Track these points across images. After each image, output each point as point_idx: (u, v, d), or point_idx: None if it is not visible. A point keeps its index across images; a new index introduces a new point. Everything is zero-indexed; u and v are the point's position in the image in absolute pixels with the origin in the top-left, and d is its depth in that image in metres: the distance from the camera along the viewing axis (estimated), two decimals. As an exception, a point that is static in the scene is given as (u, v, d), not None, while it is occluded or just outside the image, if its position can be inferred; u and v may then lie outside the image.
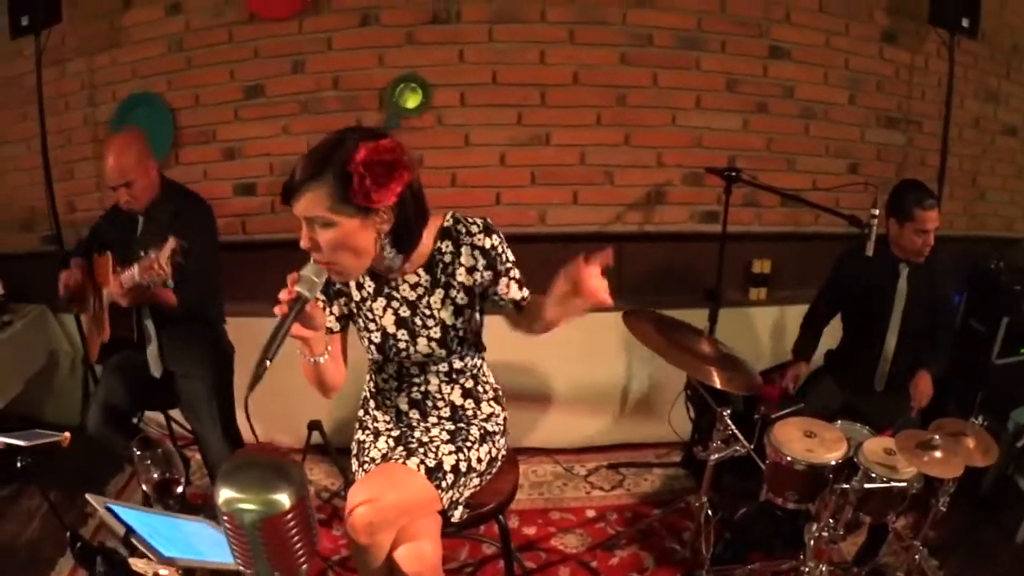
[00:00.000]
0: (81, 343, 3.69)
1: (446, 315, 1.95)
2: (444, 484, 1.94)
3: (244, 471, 1.20)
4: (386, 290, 1.95)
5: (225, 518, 1.19)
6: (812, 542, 2.45)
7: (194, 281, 2.80)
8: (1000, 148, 4.26)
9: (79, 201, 3.79)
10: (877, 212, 2.77)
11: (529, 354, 3.65)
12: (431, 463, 1.94)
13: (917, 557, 2.49)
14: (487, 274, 1.93)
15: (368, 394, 2.21)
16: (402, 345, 1.96)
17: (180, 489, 1.76)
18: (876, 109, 3.91)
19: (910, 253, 2.97)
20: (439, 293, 1.94)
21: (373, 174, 1.64)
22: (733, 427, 2.66)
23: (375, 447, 2.08)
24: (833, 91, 3.82)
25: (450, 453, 1.99)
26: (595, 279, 1.61)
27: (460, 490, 2.02)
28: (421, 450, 1.98)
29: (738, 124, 3.75)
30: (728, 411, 2.66)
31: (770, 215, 3.90)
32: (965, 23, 3.68)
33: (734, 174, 3.26)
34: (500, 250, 1.92)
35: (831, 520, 2.42)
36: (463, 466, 2.00)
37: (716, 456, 2.70)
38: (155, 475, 1.68)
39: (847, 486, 2.34)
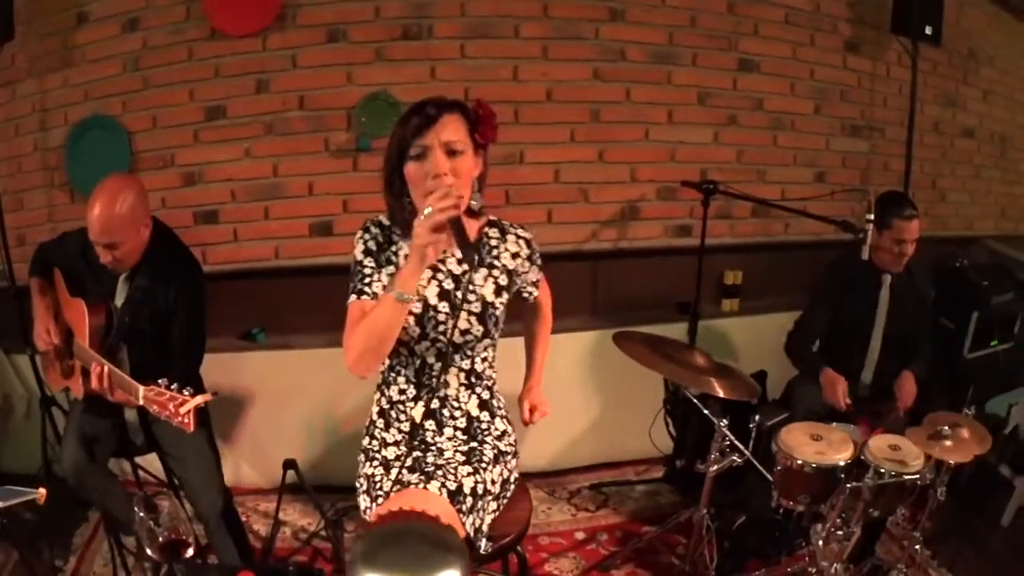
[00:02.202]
0: (37, 384, 3.58)
1: (487, 292, 2.10)
2: (464, 508, 2.00)
3: (393, 548, 1.09)
4: (435, 262, 2.09)
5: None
6: (822, 543, 2.66)
7: (184, 354, 2.75)
8: (959, 150, 4.61)
9: (30, 233, 3.75)
10: (872, 217, 2.98)
11: (502, 379, 3.82)
12: (452, 486, 1.99)
13: (917, 548, 2.75)
14: (527, 263, 2.17)
15: (375, 415, 2.27)
16: (441, 318, 2.06)
17: (191, 552, 1.83)
18: (840, 118, 4.20)
19: (888, 262, 3.24)
20: (483, 272, 2.11)
21: (491, 116, 1.99)
22: (733, 438, 2.84)
23: (387, 479, 2.11)
24: (800, 102, 4.09)
25: (468, 475, 2.06)
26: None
27: (480, 515, 2.08)
28: (440, 472, 2.04)
29: (709, 137, 3.97)
30: (726, 423, 2.83)
31: (742, 226, 4.14)
32: (928, 31, 3.98)
33: (712, 187, 3.47)
34: (535, 245, 2.21)
35: (839, 519, 2.64)
36: (479, 488, 2.07)
37: (715, 468, 2.87)
38: (162, 538, 1.74)
39: (862, 483, 2.55)
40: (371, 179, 3.65)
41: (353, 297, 2.04)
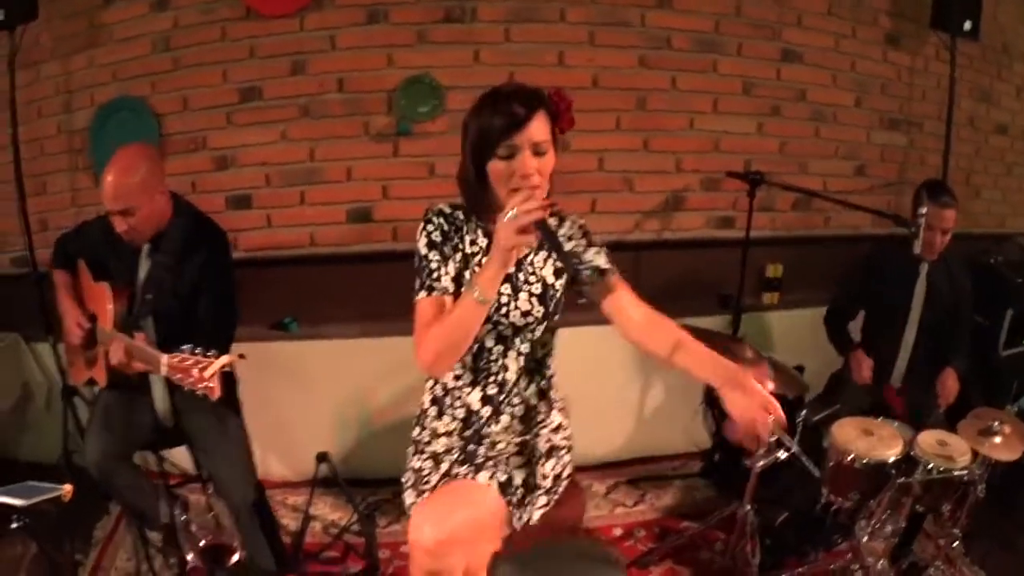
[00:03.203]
0: (58, 373, 3.59)
1: (547, 274, 2.10)
2: (515, 500, 2.01)
3: (546, 568, 1.07)
4: None
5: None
6: (867, 538, 2.73)
7: (212, 328, 2.68)
8: (992, 147, 4.69)
9: (52, 218, 3.71)
10: (924, 211, 3.06)
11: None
12: (502, 477, 2.01)
13: (956, 544, 2.81)
14: (582, 242, 2.13)
15: (427, 403, 2.24)
16: (504, 299, 2.06)
17: (236, 557, 1.78)
18: (880, 111, 4.26)
19: (923, 249, 3.29)
20: (542, 255, 2.11)
21: (569, 106, 1.98)
22: (781, 433, 2.89)
23: (436, 473, 2.11)
24: (841, 93, 4.14)
25: (520, 467, 2.08)
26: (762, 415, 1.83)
27: (529, 510, 2.08)
28: (490, 463, 2.06)
29: (753, 128, 4.01)
30: (772, 418, 2.91)
31: (783, 219, 4.18)
32: (967, 26, 4.04)
33: (758, 178, 3.53)
34: (590, 230, 2.18)
35: (884, 515, 2.71)
36: (531, 482, 2.08)
37: (762, 463, 2.86)
38: (204, 541, 1.72)
39: (912, 479, 2.61)
40: (412, 164, 3.73)
41: (423, 294, 2.01)
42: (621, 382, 3.96)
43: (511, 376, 2.14)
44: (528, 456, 2.12)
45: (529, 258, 2.09)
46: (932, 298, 3.39)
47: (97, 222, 2.85)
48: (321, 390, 3.70)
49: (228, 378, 2.76)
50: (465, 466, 2.08)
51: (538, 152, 1.90)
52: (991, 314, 4.12)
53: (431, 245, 2.04)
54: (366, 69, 3.61)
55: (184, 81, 3.57)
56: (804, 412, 3.09)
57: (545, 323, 2.12)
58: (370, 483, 3.66)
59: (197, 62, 3.56)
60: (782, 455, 2.83)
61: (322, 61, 3.58)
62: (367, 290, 3.70)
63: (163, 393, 2.80)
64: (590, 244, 2.15)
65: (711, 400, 3.90)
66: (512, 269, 2.04)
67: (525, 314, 2.08)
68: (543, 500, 2.13)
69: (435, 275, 2.02)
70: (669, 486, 3.88)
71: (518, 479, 2.03)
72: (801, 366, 3.88)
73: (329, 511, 3.60)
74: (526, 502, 2.05)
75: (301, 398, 3.69)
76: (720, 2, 3.84)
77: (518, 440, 2.17)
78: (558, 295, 2.13)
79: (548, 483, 2.14)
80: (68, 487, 2.21)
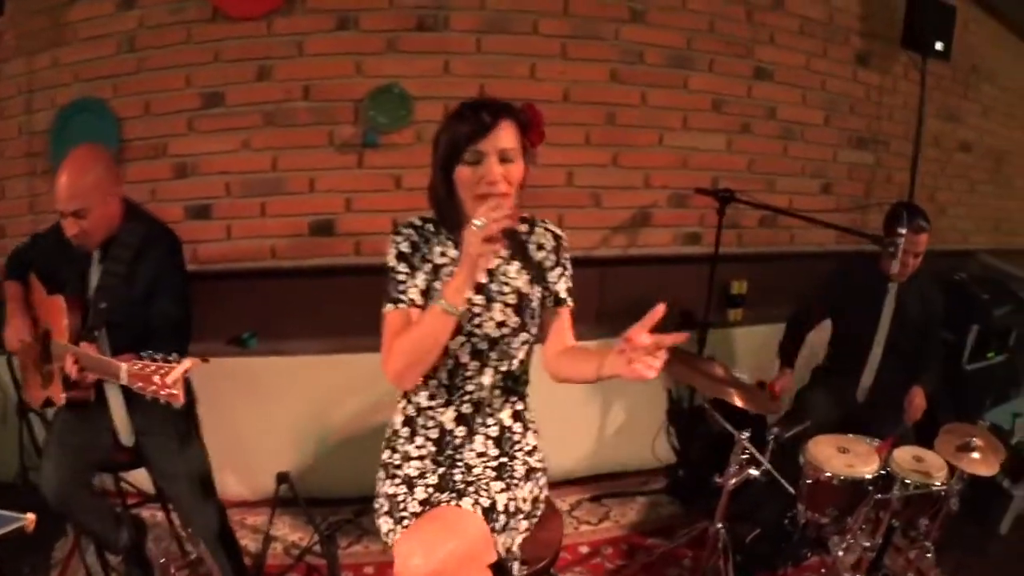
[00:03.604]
0: (14, 389, 3.41)
1: (521, 283, 2.09)
2: (497, 526, 1.95)
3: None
4: None
5: None
6: (842, 553, 2.78)
7: (167, 334, 2.58)
8: (957, 165, 4.79)
9: (10, 225, 3.62)
10: (904, 231, 3.11)
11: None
12: (485, 503, 1.95)
13: (929, 556, 2.86)
14: (552, 257, 2.14)
15: (399, 424, 2.20)
16: (477, 310, 2.04)
17: None
18: (848, 129, 4.32)
19: (891, 273, 3.32)
20: (516, 264, 2.10)
21: (540, 121, 2.05)
22: (753, 450, 2.87)
23: (412, 499, 2.02)
24: (811, 112, 4.20)
25: (501, 491, 2.00)
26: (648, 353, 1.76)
27: (512, 535, 2.04)
28: (471, 488, 1.99)
29: (722, 144, 4.04)
30: (747, 434, 2.87)
31: (749, 235, 4.22)
32: (939, 46, 4.12)
33: (728, 195, 3.55)
34: (565, 244, 2.18)
35: (859, 530, 2.77)
36: (512, 506, 2.03)
37: (734, 481, 2.90)
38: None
39: (890, 495, 2.68)
40: (377, 176, 3.68)
41: (389, 306, 2.02)
42: (582, 398, 3.95)
43: (486, 395, 2.13)
44: (507, 480, 2.07)
45: (501, 268, 2.09)
46: (900, 318, 3.45)
47: (51, 232, 2.76)
48: (280, 407, 3.64)
49: (188, 397, 2.74)
50: (445, 492, 2.01)
51: (505, 159, 1.93)
52: (956, 329, 4.22)
53: (400, 257, 2.05)
54: (334, 77, 3.54)
55: (147, 84, 3.48)
56: (775, 429, 3.10)
57: (521, 335, 2.10)
58: (330, 503, 3.62)
59: (161, 65, 3.47)
60: (754, 472, 2.88)
61: (289, 67, 3.51)
62: (329, 305, 3.66)
63: (122, 412, 2.72)
64: (559, 261, 2.15)
65: (674, 416, 3.94)
66: (484, 279, 2.06)
67: (500, 325, 2.07)
68: (524, 524, 2.10)
69: (403, 287, 2.03)
70: (633, 503, 3.90)
71: (500, 504, 1.98)
72: (763, 382, 3.94)
73: (289, 532, 3.55)
74: (509, 527, 2.00)
75: (259, 415, 3.63)
76: (694, 18, 3.85)
77: (494, 464, 2.12)
78: (533, 305, 2.11)
79: (528, 507, 2.11)
80: (31, 516, 2.09)
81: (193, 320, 2.76)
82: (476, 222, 1.80)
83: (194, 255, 3.55)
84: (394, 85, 3.57)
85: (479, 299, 2.06)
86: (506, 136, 1.93)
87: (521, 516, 2.07)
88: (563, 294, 2.16)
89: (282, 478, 3.28)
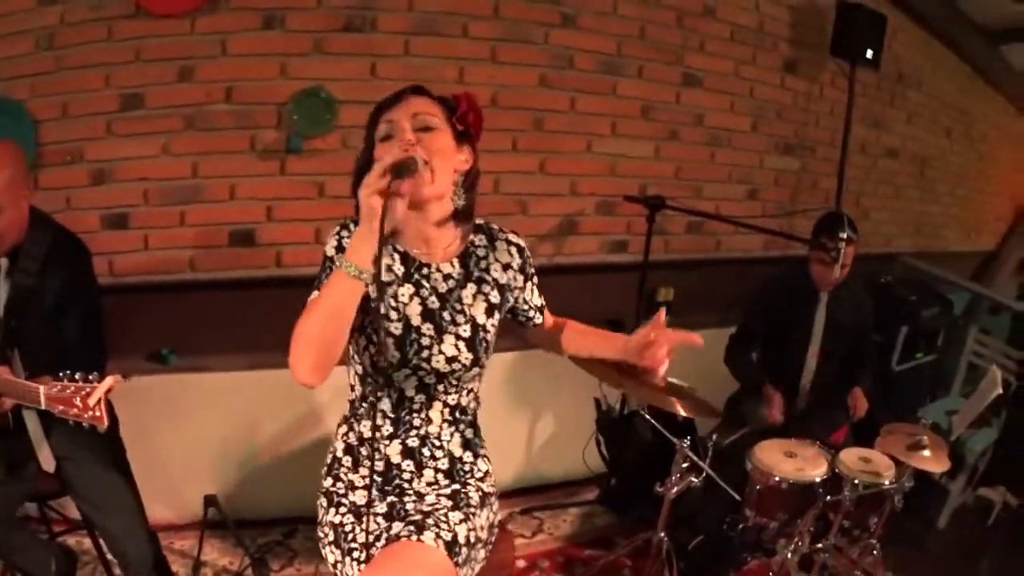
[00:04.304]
0: None
1: (477, 312, 1.94)
2: (460, 560, 1.86)
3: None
4: (416, 276, 1.93)
5: None
6: (790, 555, 2.85)
7: (83, 351, 2.50)
8: (882, 170, 4.94)
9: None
10: (845, 236, 3.19)
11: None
12: (447, 536, 1.86)
13: (875, 553, 2.95)
14: (519, 276, 2.04)
15: (340, 452, 2.07)
16: (425, 342, 1.89)
17: None
18: (775, 136, 4.41)
19: (821, 281, 3.44)
20: (471, 288, 1.95)
21: (475, 106, 1.94)
22: (695, 457, 2.89)
23: (360, 529, 1.94)
24: (738, 118, 4.28)
25: (460, 522, 1.92)
26: (663, 347, 1.92)
27: (472, 566, 1.97)
28: (430, 521, 1.89)
29: (651, 151, 4.08)
30: (688, 442, 2.89)
31: (676, 242, 4.27)
32: (869, 54, 4.23)
33: (658, 202, 3.59)
34: (527, 254, 2.08)
35: (808, 532, 2.86)
36: (472, 537, 1.93)
37: (676, 489, 2.91)
38: None
39: (842, 496, 2.77)
40: (300, 184, 3.60)
41: (314, 293, 1.82)
42: (510, 410, 3.96)
43: (433, 429, 1.99)
44: (464, 510, 1.98)
45: (456, 292, 1.93)
46: (833, 325, 3.54)
47: None
48: (202, 426, 3.53)
49: (110, 417, 2.49)
50: (401, 524, 1.92)
51: (422, 127, 1.82)
52: (885, 331, 4.38)
53: (340, 249, 1.87)
54: (257, 79, 3.43)
55: (65, 84, 3.29)
56: (715, 436, 3.13)
57: (474, 370, 1.96)
58: (259, 524, 3.57)
59: (80, 64, 3.28)
60: (695, 480, 2.91)
61: (211, 68, 3.38)
62: (250, 319, 3.53)
63: (40, 437, 2.63)
64: (528, 276, 2.07)
65: (603, 425, 3.98)
66: (435, 305, 1.91)
67: (450, 360, 1.91)
68: (482, 554, 2.02)
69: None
70: (566, 514, 3.93)
71: (461, 536, 1.89)
72: (692, 389, 4.01)
73: (219, 555, 3.45)
74: (470, 558, 1.93)
75: (181, 435, 3.51)
76: (625, 24, 3.88)
77: (447, 491, 2.02)
78: (490, 337, 1.97)
79: (485, 535, 2.03)
80: None
81: (107, 336, 2.66)
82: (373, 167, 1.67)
83: (110, 267, 3.41)
84: (320, 88, 3.48)
85: (428, 328, 1.90)
86: (420, 103, 1.84)
87: (480, 545, 1.99)
88: (540, 302, 2.14)
89: (210, 501, 3.18)
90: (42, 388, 2.10)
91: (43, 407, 2.11)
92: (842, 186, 4.46)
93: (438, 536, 1.85)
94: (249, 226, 3.58)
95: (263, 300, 3.51)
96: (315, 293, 1.82)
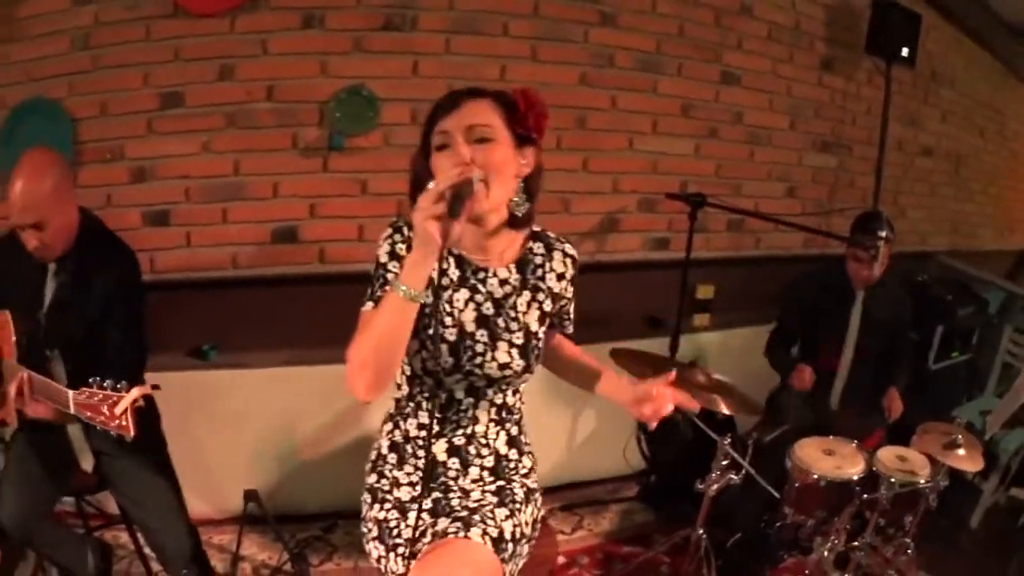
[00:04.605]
0: None
1: (531, 320, 1.91)
2: (506, 556, 1.87)
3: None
4: (472, 281, 1.90)
5: None
6: (826, 553, 2.88)
7: (120, 359, 2.47)
8: (918, 169, 4.94)
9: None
10: (884, 234, 3.21)
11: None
12: (494, 533, 1.85)
13: (909, 552, 2.97)
14: (570, 288, 2.00)
15: (385, 449, 2.04)
16: (479, 348, 1.86)
17: None
18: (813, 134, 4.40)
19: (859, 279, 3.43)
20: (527, 295, 1.92)
21: (536, 104, 1.83)
22: (736, 455, 2.90)
23: (406, 525, 1.94)
24: (777, 117, 4.27)
25: (506, 518, 1.91)
26: (664, 404, 1.82)
27: (516, 562, 1.96)
28: (477, 518, 1.88)
29: (691, 149, 4.08)
30: (729, 440, 2.91)
31: (716, 240, 4.26)
32: (904, 52, 4.24)
33: (700, 199, 3.57)
34: (577, 265, 2.04)
35: (844, 530, 2.88)
36: (517, 532, 1.92)
37: (716, 486, 2.92)
38: None
39: (880, 494, 2.78)
40: (343, 181, 3.61)
41: (369, 305, 1.80)
42: (551, 406, 3.92)
43: (480, 428, 1.98)
44: (510, 506, 1.97)
45: (511, 299, 1.90)
46: (869, 323, 3.52)
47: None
48: (242, 422, 3.54)
49: (151, 414, 2.61)
50: (447, 520, 1.91)
51: (477, 139, 1.73)
52: (921, 330, 4.35)
53: (392, 255, 1.83)
54: (298, 77, 3.45)
55: (103, 83, 3.32)
56: (755, 434, 3.19)
57: (525, 375, 1.94)
58: (298, 519, 3.57)
59: (118, 63, 3.31)
60: (735, 477, 2.91)
61: (251, 66, 3.40)
62: (292, 316, 3.56)
63: (79, 434, 2.62)
64: (574, 285, 2.03)
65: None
66: (490, 312, 1.89)
67: (503, 367, 1.89)
68: (526, 549, 2.01)
69: (388, 287, 1.78)
70: (606, 511, 3.93)
71: (507, 532, 1.88)
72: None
73: (258, 551, 3.46)
74: (515, 554, 1.93)
75: (221, 430, 3.53)
76: (663, 22, 3.88)
77: (492, 487, 2.01)
78: (540, 344, 1.95)
79: (530, 530, 2.02)
80: None
81: (148, 344, 2.66)
82: (428, 185, 1.61)
83: (151, 264, 3.42)
84: (361, 86, 3.49)
85: (483, 335, 1.88)
86: (475, 112, 1.75)
87: (524, 541, 1.98)
88: (568, 317, 2.08)
89: (250, 496, 3.20)
90: (71, 394, 2.10)
91: (72, 412, 2.11)
92: (880, 184, 4.45)
93: (485, 532, 1.84)
94: (292, 223, 3.59)
95: (306, 296, 3.55)
96: (369, 305, 1.81)
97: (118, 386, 2.03)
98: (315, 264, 3.64)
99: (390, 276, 1.81)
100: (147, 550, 2.92)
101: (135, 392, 2.02)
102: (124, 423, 2.01)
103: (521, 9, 3.65)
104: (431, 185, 1.60)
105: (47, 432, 2.53)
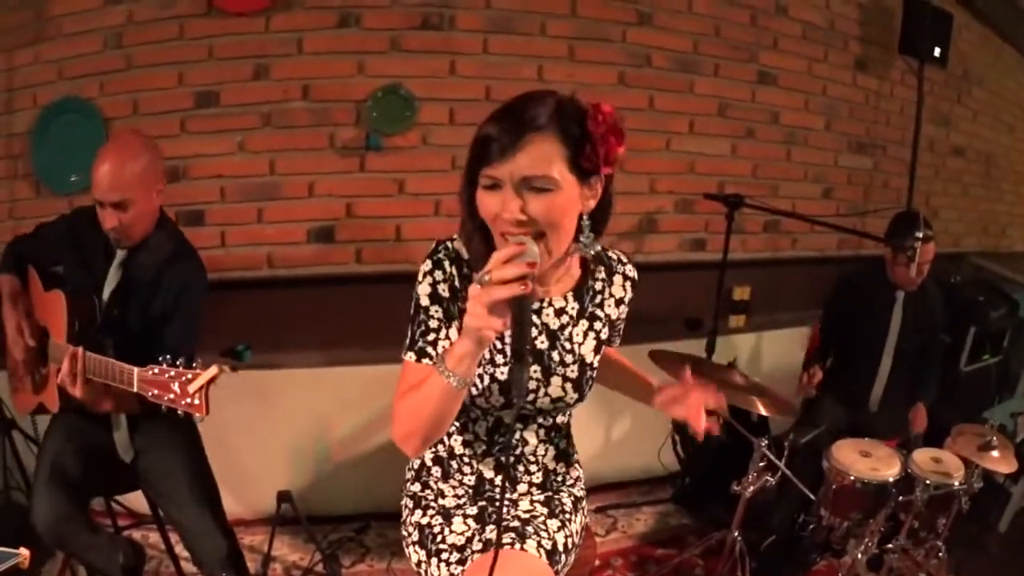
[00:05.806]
0: None
1: (586, 351, 1.80)
2: (559, 567, 1.83)
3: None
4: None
5: None
6: (860, 555, 2.87)
7: (175, 356, 2.34)
8: (950, 169, 4.91)
9: (-12, 230, 3.38)
10: (921, 235, 3.17)
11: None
12: (548, 545, 1.81)
13: (940, 555, 2.93)
14: (626, 311, 1.89)
15: (429, 460, 1.97)
16: (532, 385, 1.75)
17: None
18: (848, 135, 4.37)
19: (901, 282, 3.41)
20: (583, 324, 1.80)
21: (611, 131, 1.54)
22: (772, 457, 2.89)
23: (451, 531, 1.87)
24: (812, 117, 4.24)
25: (558, 530, 1.87)
26: (700, 406, 1.84)
27: (565, 570, 1.92)
28: (530, 529, 1.83)
29: (727, 150, 4.04)
30: (766, 442, 2.89)
31: (752, 241, 4.23)
32: (936, 52, 4.22)
33: (737, 200, 3.52)
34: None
35: (877, 532, 2.85)
36: (569, 543, 1.91)
37: (752, 488, 2.90)
38: None
39: (915, 496, 2.75)
40: (380, 181, 3.58)
41: (411, 356, 1.69)
42: (586, 408, 3.89)
43: (528, 449, 1.91)
44: (561, 517, 1.92)
45: (567, 331, 1.78)
46: (908, 325, 3.49)
47: (60, 222, 2.62)
48: (276, 422, 3.51)
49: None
50: (488, 527, 1.87)
51: (533, 189, 1.48)
52: (954, 331, 4.32)
53: (435, 298, 1.68)
54: (334, 76, 3.42)
55: (136, 83, 3.31)
56: (791, 436, 3.17)
57: (577, 405, 1.88)
58: (331, 520, 3.53)
59: (151, 62, 3.29)
60: (771, 479, 2.90)
61: (287, 66, 3.38)
62: (328, 316, 3.54)
63: (124, 428, 2.56)
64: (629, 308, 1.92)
65: (679, 424, 3.94)
66: (545, 345, 1.76)
67: (556, 400, 1.81)
68: (573, 558, 1.96)
69: (431, 337, 1.68)
70: (640, 512, 3.89)
71: (560, 544, 1.84)
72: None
73: (289, 551, 3.43)
74: (565, 565, 1.88)
75: (254, 431, 3.49)
76: (699, 22, 3.85)
77: (541, 498, 1.96)
78: (595, 373, 1.85)
79: (578, 539, 1.97)
80: (25, 553, 1.98)
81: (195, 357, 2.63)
82: (481, 278, 1.40)
83: (186, 263, 3.41)
84: (398, 86, 3.46)
85: (535, 371, 1.76)
86: (533, 159, 1.47)
87: (573, 551, 1.94)
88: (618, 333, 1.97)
89: (283, 496, 3.14)
90: (137, 371, 2.04)
91: (135, 390, 2.05)
92: (913, 185, 4.42)
93: (539, 545, 1.80)
94: (328, 223, 3.56)
95: (341, 297, 3.53)
96: (411, 356, 1.70)
97: (193, 364, 1.97)
98: (351, 264, 3.61)
99: (432, 324, 1.68)
100: (178, 550, 2.87)
101: (213, 370, 1.95)
102: (197, 401, 1.95)
103: (559, 9, 3.62)
104: (484, 279, 1.39)
105: (91, 422, 2.48)
